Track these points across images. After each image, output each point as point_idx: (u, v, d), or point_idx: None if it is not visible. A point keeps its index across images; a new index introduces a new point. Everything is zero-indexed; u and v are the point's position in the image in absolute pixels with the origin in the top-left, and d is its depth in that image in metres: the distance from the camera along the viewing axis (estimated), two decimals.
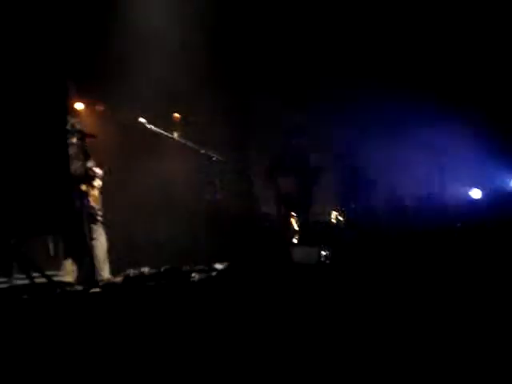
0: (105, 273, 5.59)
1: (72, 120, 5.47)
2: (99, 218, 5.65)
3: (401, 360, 2.88)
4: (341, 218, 8.76)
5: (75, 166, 5.32)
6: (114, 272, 5.63)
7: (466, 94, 8.20)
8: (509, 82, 8.13)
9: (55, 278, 5.61)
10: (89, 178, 5.48)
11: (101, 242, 5.63)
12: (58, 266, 5.99)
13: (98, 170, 5.74)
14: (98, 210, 5.68)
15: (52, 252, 6.16)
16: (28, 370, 2.76)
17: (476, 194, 8.54)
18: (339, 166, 7.15)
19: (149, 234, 7.36)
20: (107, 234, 5.72)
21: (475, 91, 8.19)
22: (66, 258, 5.65)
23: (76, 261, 5.53)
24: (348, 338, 3.19)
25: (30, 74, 5.55)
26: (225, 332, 3.27)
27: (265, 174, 7.03)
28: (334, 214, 8.75)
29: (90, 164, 5.48)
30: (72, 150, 5.37)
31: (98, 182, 5.72)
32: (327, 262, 5.63)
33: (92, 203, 5.59)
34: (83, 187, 5.40)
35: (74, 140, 5.43)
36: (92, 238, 5.47)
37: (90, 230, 5.46)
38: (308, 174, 6.89)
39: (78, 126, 5.42)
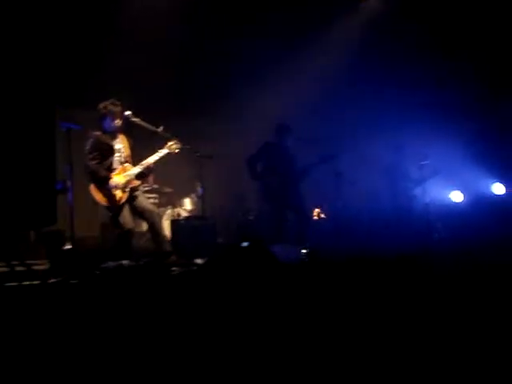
0: None
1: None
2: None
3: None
4: (322, 216, 8.85)
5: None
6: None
7: (451, 96, 8.26)
8: (492, 81, 8.21)
9: (35, 267, 5.63)
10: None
11: None
12: (38, 255, 5.98)
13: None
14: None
15: (32, 238, 6.16)
16: None
17: (457, 197, 8.63)
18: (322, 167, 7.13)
19: None
20: None
21: (460, 92, 8.26)
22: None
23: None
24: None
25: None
26: (203, 327, 3.29)
27: (249, 164, 6.91)
28: (316, 211, 8.84)
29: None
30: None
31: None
32: (306, 260, 5.66)
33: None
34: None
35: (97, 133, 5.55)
36: None
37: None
38: (296, 174, 6.87)
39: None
